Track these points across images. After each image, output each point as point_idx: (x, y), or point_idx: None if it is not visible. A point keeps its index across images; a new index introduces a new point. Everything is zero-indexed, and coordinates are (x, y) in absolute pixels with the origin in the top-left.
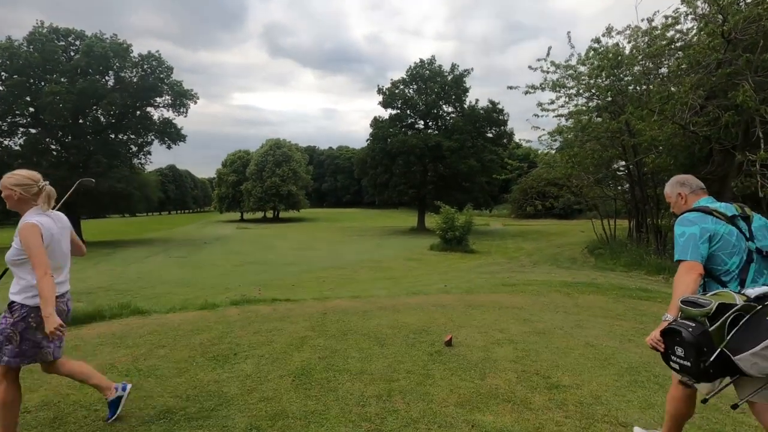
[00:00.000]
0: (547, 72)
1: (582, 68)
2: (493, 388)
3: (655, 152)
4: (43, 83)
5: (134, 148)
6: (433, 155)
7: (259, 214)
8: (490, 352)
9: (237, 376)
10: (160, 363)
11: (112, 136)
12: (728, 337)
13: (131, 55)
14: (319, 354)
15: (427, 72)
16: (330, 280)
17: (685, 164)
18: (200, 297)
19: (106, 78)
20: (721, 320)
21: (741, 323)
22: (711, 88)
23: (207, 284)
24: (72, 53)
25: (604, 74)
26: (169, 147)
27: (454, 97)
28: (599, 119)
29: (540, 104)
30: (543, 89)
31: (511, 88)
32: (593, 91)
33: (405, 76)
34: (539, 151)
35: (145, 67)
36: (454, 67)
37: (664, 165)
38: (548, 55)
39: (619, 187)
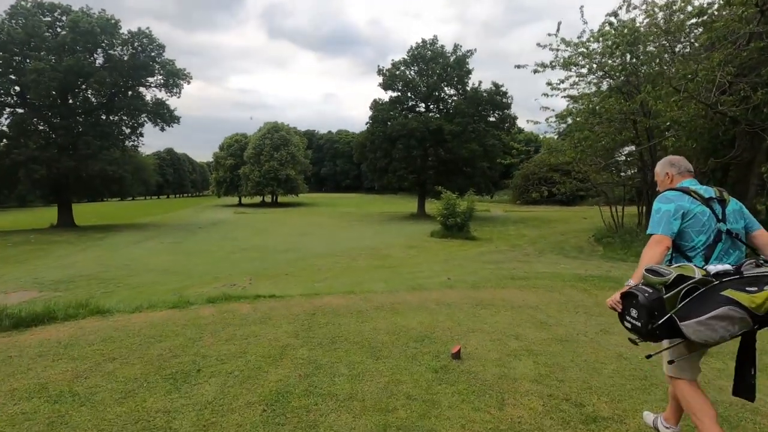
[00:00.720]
0: (558, 49)
1: (594, 45)
2: (515, 423)
3: (675, 135)
4: (28, 60)
5: (127, 130)
6: (434, 139)
7: (258, 199)
8: (507, 367)
9: (194, 403)
10: (103, 383)
11: (104, 117)
12: (680, 305)
13: (120, 31)
14: (301, 370)
15: (429, 53)
16: (326, 268)
17: (707, 148)
18: (187, 287)
19: (95, 56)
20: (676, 290)
21: (695, 294)
22: (741, 64)
23: (196, 273)
24: (58, 29)
25: (618, 51)
26: (162, 129)
27: (456, 79)
28: (611, 100)
29: (550, 83)
30: (553, 67)
31: (519, 66)
32: (605, 70)
33: (406, 57)
34: (544, 135)
35: (136, 44)
36: (456, 47)
37: (685, 149)
38: (558, 30)
39: (622, 174)
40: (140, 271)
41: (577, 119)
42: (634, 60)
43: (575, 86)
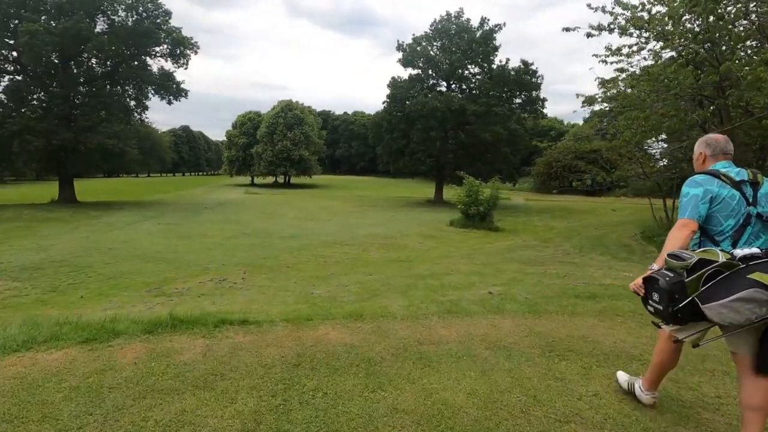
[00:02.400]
0: (612, 13)
1: (658, 8)
2: None
3: None
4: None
5: (131, 103)
6: (455, 120)
7: (270, 179)
8: None
9: None
10: None
11: (108, 87)
12: (702, 288)
13: None
14: None
15: (454, 27)
16: (333, 260)
17: None
18: (168, 281)
19: (96, 20)
20: (698, 273)
21: (720, 278)
22: None
23: (186, 261)
24: None
25: (694, 13)
26: (169, 102)
27: (481, 56)
28: (687, 69)
29: (609, 48)
30: (611, 31)
31: (567, 30)
32: (669, 38)
33: (428, 31)
34: (592, 111)
35: (140, 10)
36: (483, 21)
37: None
38: None
39: (653, 165)
40: (124, 257)
41: (637, 92)
42: (719, 21)
43: (630, 57)
